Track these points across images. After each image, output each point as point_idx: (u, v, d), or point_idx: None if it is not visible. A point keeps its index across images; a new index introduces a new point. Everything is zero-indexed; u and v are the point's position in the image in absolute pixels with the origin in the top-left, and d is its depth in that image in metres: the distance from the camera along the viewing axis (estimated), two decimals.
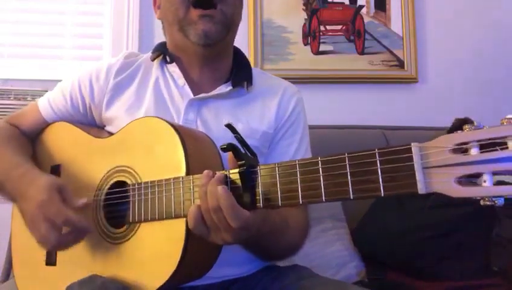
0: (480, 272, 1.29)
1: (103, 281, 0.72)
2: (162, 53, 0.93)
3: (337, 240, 1.41)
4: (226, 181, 0.63)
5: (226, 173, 0.64)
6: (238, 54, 0.99)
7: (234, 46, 0.99)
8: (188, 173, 0.68)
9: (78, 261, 0.80)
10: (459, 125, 1.61)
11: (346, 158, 0.54)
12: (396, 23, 1.95)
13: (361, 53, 1.93)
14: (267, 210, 0.64)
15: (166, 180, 0.69)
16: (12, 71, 1.77)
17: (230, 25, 0.88)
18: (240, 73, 0.94)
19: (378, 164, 0.52)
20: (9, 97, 1.69)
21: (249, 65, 0.98)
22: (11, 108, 1.65)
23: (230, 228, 0.61)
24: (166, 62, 0.93)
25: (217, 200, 0.60)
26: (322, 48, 1.92)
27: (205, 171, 0.64)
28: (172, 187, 0.68)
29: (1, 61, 1.78)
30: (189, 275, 0.73)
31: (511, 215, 1.33)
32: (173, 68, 0.92)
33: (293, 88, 1.00)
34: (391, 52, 1.93)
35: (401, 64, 1.93)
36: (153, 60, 0.94)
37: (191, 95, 0.89)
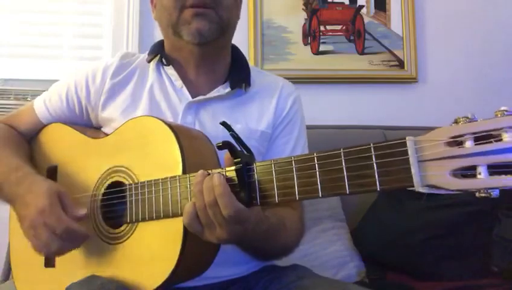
0: (480, 272, 1.29)
1: (102, 281, 0.72)
2: (159, 54, 0.92)
3: (337, 240, 1.41)
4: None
5: (222, 171, 0.64)
6: (235, 53, 0.98)
7: (232, 45, 0.98)
8: (184, 172, 0.68)
9: (77, 262, 0.80)
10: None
11: (342, 153, 0.55)
12: (396, 23, 1.95)
13: (361, 53, 1.93)
14: (263, 210, 0.64)
15: (163, 179, 0.69)
16: (12, 71, 1.77)
17: (225, 27, 0.88)
18: (237, 73, 0.94)
19: (374, 159, 0.52)
20: (9, 97, 1.69)
21: (247, 64, 0.97)
22: (11, 108, 1.64)
23: (225, 222, 0.60)
24: (163, 64, 0.92)
25: (213, 190, 0.60)
26: (322, 48, 1.92)
27: (200, 171, 0.64)
28: (169, 186, 0.68)
29: (1, 61, 1.78)
30: (188, 274, 0.73)
31: (511, 216, 1.33)
32: (170, 70, 0.91)
33: (290, 86, 1.00)
34: (391, 52, 1.93)
35: (401, 64, 1.92)
36: (149, 61, 0.93)
37: (189, 98, 0.89)
